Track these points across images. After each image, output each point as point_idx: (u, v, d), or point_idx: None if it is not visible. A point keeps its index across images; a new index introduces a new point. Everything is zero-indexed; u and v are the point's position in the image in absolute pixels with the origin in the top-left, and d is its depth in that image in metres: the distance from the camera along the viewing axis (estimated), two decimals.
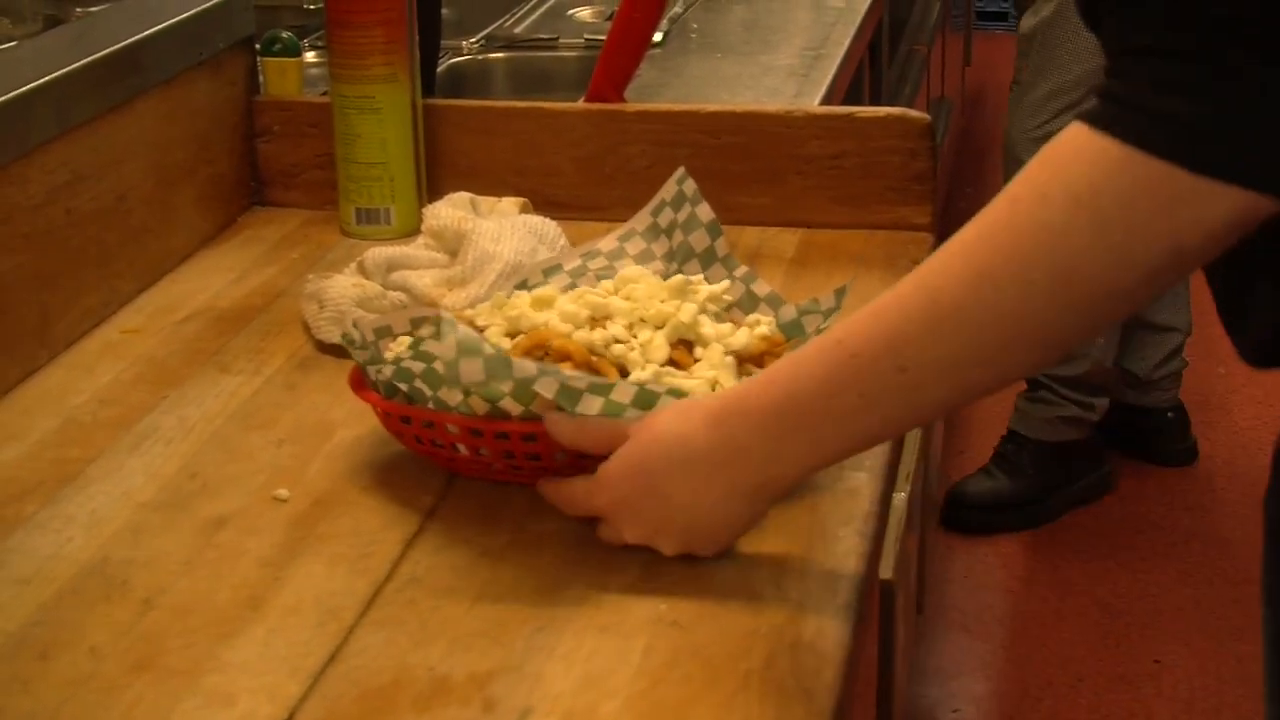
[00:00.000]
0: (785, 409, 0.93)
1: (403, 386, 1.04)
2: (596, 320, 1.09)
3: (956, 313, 0.87)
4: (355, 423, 1.18)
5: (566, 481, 1.02)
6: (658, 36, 2.02)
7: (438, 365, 1.01)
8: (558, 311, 1.10)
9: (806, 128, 1.53)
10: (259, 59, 1.65)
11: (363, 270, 1.35)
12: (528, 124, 1.58)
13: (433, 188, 1.57)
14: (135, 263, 1.43)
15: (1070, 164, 0.83)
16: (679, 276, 1.14)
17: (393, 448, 1.15)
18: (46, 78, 1.29)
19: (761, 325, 1.12)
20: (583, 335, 1.08)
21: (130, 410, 1.22)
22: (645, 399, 1.00)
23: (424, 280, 1.32)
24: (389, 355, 1.09)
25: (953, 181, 4.31)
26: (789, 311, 1.16)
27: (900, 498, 1.40)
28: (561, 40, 2.08)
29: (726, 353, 1.08)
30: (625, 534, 1.00)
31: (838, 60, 2.01)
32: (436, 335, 1.00)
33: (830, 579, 0.98)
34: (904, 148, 1.52)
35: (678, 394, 1.00)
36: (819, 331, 1.09)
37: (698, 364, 1.08)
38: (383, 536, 1.03)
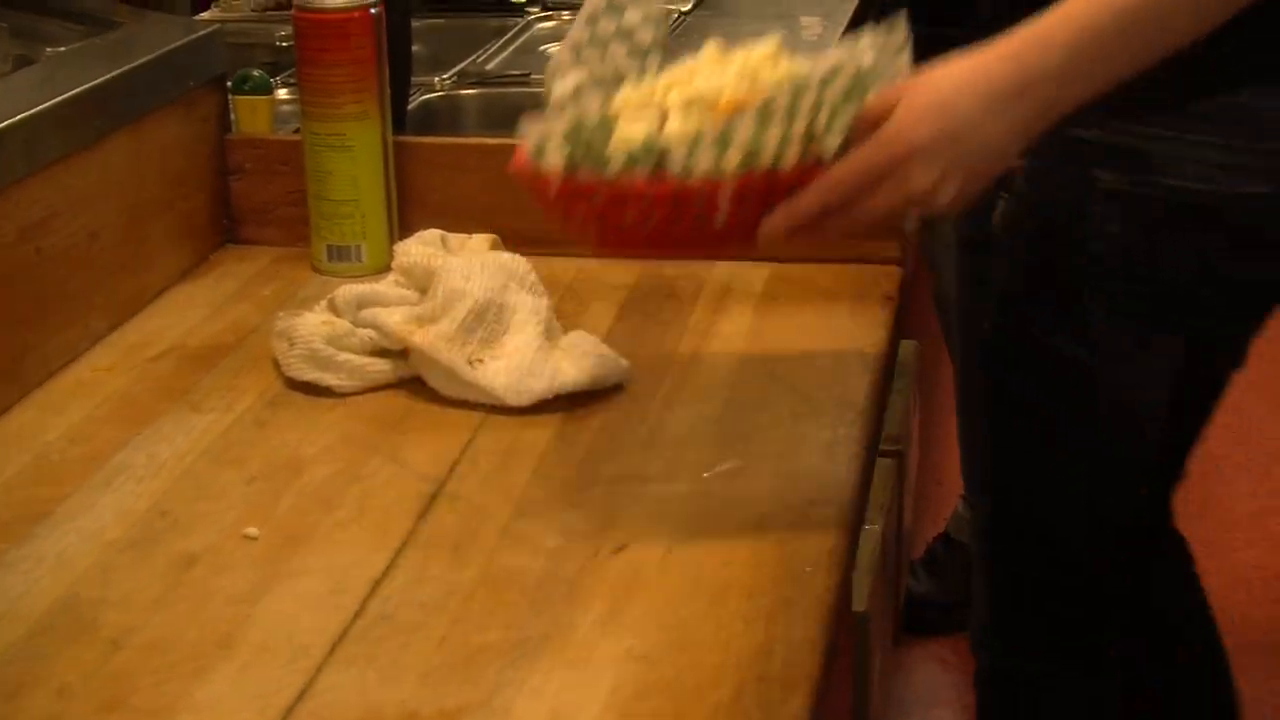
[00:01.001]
0: (1085, 39, 1.08)
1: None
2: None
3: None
4: (326, 460, 1.19)
5: (854, 156, 1.06)
6: None
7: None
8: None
9: None
10: (231, 97, 1.65)
11: (333, 308, 1.36)
12: (498, 160, 1.58)
13: (404, 224, 1.58)
14: (107, 300, 1.43)
15: None
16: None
17: (362, 484, 1.15)
18: (16, 118, 1.30)
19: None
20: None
21: (101, 448, 1.22)
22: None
23: (394, 317, 1.33)
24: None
25: None
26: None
27: (874, 530, 1.41)
28: (533, 76, 2.09)
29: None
30: (915, 180, 1.07)
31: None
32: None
33: (799, 612, 0.99)
34: None
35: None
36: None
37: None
38: (352, 574, 1.04)
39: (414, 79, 2.07)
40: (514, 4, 2.45)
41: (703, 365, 1.36)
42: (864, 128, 1.07)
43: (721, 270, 1.53)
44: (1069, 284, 1.43)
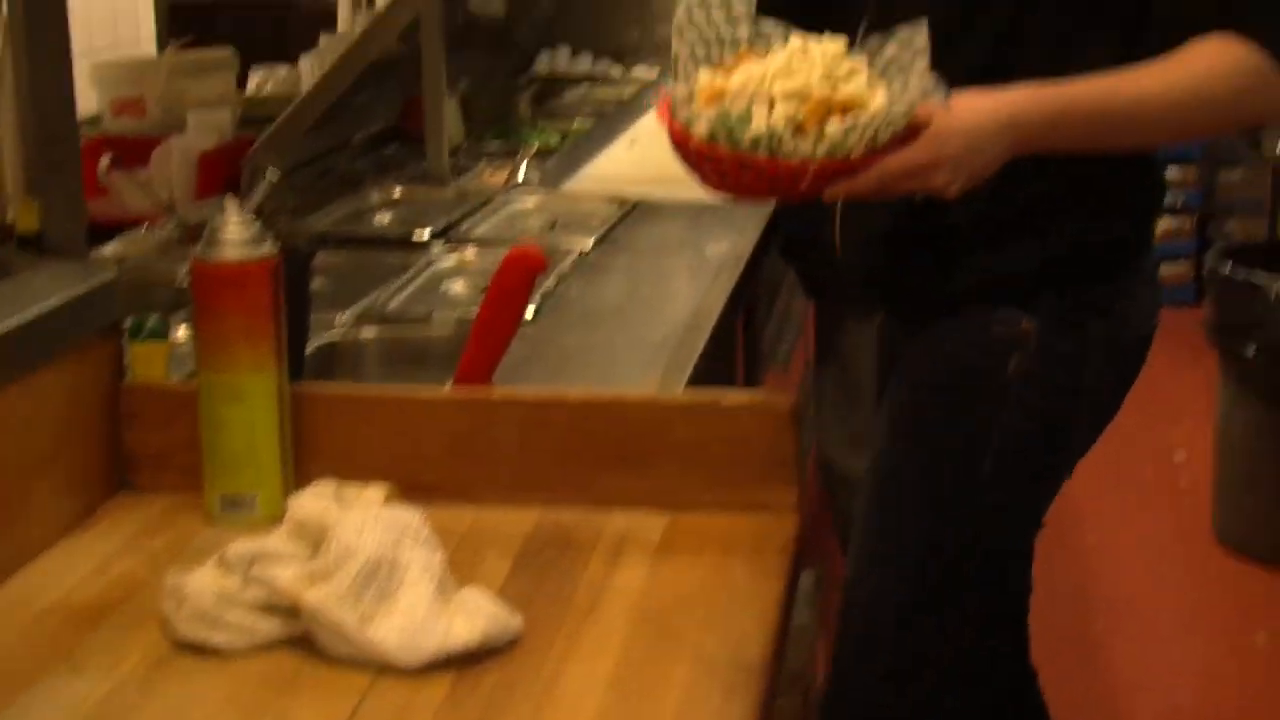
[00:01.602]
0: (1060, 126, 1.68)
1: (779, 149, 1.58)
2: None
3: (1183, 100, 1.69)
4: None
5: (900, 155, 1.59)
6: (530, 311, 2.04)
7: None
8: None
9: (674, 413, 1.55)
10: (127, 343, 1.64)
11: (224, 564, 1.33)
12: (395, 409, 1.59)
13: (300, 472, 1.56)
14: None
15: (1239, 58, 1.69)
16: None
17: None
18: None
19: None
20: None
21: None
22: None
23: (285, 574, 1.31)
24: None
25: None
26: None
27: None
28: (435, 316, 2.10)
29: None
30: (938, 179, 1.63)
31: (708, 331, 2.04)
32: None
33: None
34: (769, 432, 1.54)
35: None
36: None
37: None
38: None
39: (315, 317, 2.07)
40: (415, 240, 2.46)
41: (599, 620, 1.35)
42: (909, 128, 1.59)
43: (619, 520, 1.53)
44: (1061, 413, 1.88)
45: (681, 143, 1.62)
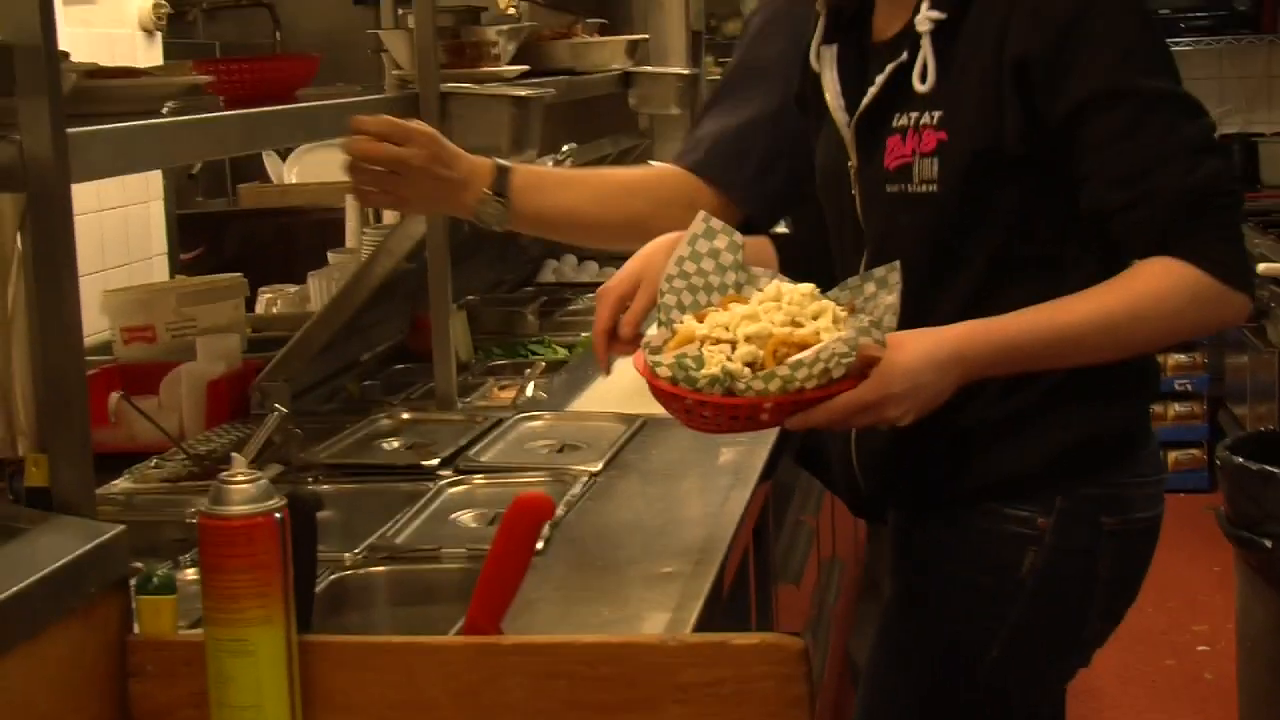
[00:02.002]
0: (1009, 347, 1.80)
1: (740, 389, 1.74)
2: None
3: (1123, 321, 1.80)
4: None
5: (843, 398, 1.73)
6: (539, 544, 2.04)
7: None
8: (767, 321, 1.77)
9: (682, 656, 1.54)
10: (134, 597, 1.64)
11: None
12: (403, 658, 1.58)
13: None
14: None
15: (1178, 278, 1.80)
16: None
17: None
18: None
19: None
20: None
21: None
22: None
23: None
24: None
25: None
26: (832, 292, 1.85)
27: None
28: (444, 550, 2.09)
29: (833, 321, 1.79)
30: (888, 413, 1.76)
31: (719, 560, 2.04)
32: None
33: None
34: (779, 673, 1.53)
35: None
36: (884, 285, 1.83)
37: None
38: None
39: (323, 553, 2.07)
40: (425, 469, 2.47)
41: None
42: (859, 365, 1.72)
43: None
44: (1077, 604, 1.95)
45: (651, 383, 1.79)
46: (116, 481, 2.43)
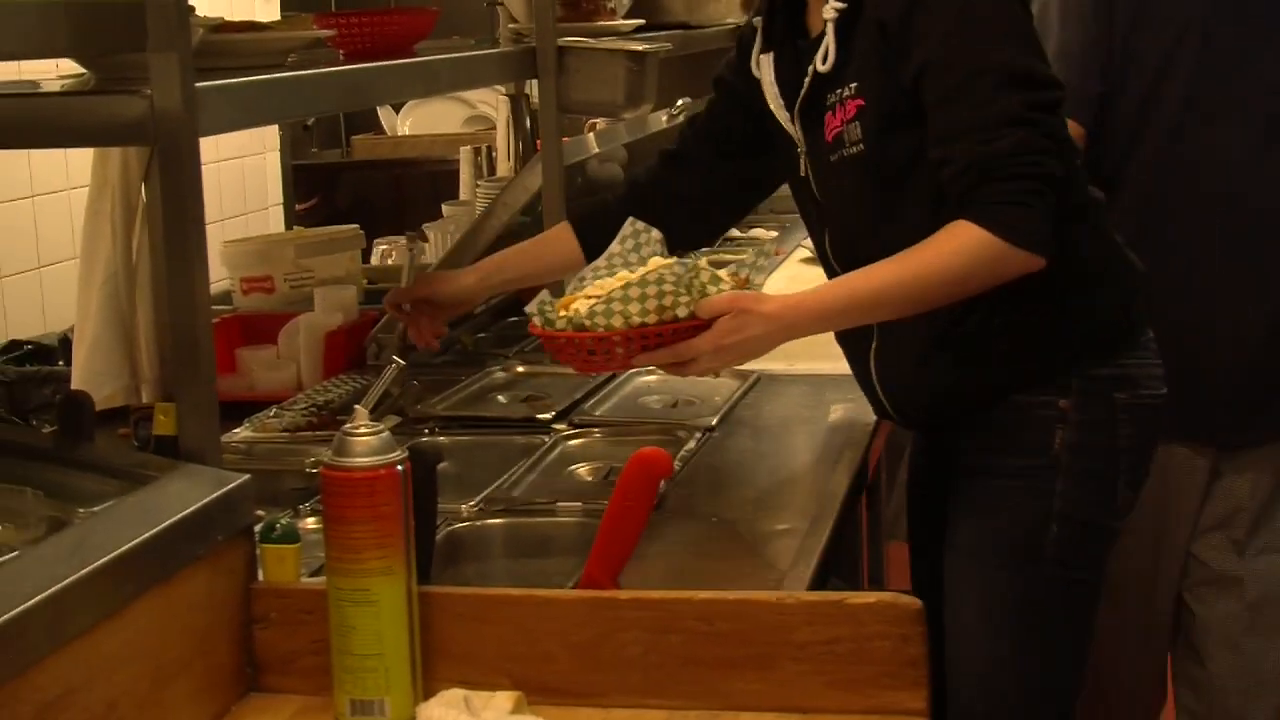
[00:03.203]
0: (825, 314, 2.03)
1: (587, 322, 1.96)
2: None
3: (905, 290, 1.99)
4: None
5: (682, 344, 1.97)
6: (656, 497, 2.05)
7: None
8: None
9: (799, 614, 1.54)
10: (258, 545, 1.67)
11: None
12: (521, 611, 1.60)
13: (427, 674, 1.57)
14: None
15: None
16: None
17: None
18: (42, 594, 1.31)
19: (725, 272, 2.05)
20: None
21: None
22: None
23: None
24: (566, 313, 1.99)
25: None
26: (730, 267, 2.14)
27: None
28: (559, 504, 2.11)
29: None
30: (714, 364, 2.01)
31: (833, 518, 2.04)
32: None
33: None
34: (896, 633, 1.53)
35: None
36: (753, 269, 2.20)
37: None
38: None
39: (440, 505, 2.10)
40: (540, 422, 2.48)
41: None
42: (704, 313, 1.97)
43: None
44: (1107, 473, 2.15)
45: (531, 330, 2.04)
46: (237, 430, 2.46)
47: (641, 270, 2.02)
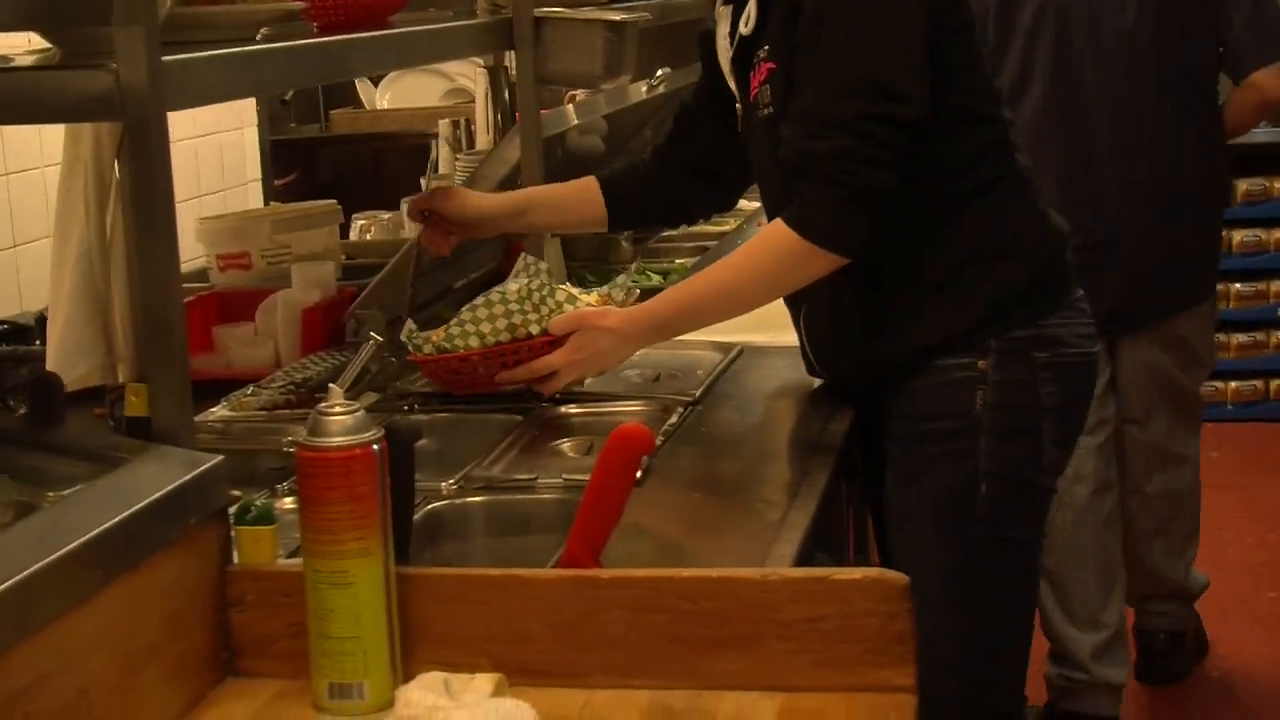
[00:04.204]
0: (657, 324, 2.16)
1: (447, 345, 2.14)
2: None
3: (731, 290, 2.14)
4: None
5: (537, 361, 2.11)
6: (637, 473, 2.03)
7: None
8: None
9: (784, 591, 1.52)
10: (233, 528, 1.64)
11: None
12: (502, 591, 1.57)
13: (406, 655, 1.55)
14: None
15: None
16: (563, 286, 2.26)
17: None
18: (12, 580, 1.28)
19: (594, 295, 2.23)
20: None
21: None
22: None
23: None
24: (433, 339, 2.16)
25: None
26: (604, 289, 2.27)
27: None
28: (540, 481, 2.08)
29: (587, 304, 2.18)
30: (570, 377, 2.14)
31: (818, 493, 2.02)
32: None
33: None
34: (882, 610, 1.51)
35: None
36: (624, 291, 2.28)
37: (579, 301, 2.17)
38: None
39: (419, 483, 2.07)
40: (521, 397, 2.45)
41: None
42: (553, 330, 2.12)
43: (730, 705, 1.50)
44: (1030, 431, 2.22)
45: (410, 358, 2.25)
46: (213, 410, 2.43)
47: (500, 292, 2.13)
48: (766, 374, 2.59)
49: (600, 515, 1.58)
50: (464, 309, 2.16)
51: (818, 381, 2.50)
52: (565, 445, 2.28)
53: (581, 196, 2.50)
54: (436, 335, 2.14)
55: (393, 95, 6.34)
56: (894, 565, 2.26)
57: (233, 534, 1.65)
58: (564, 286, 2.20)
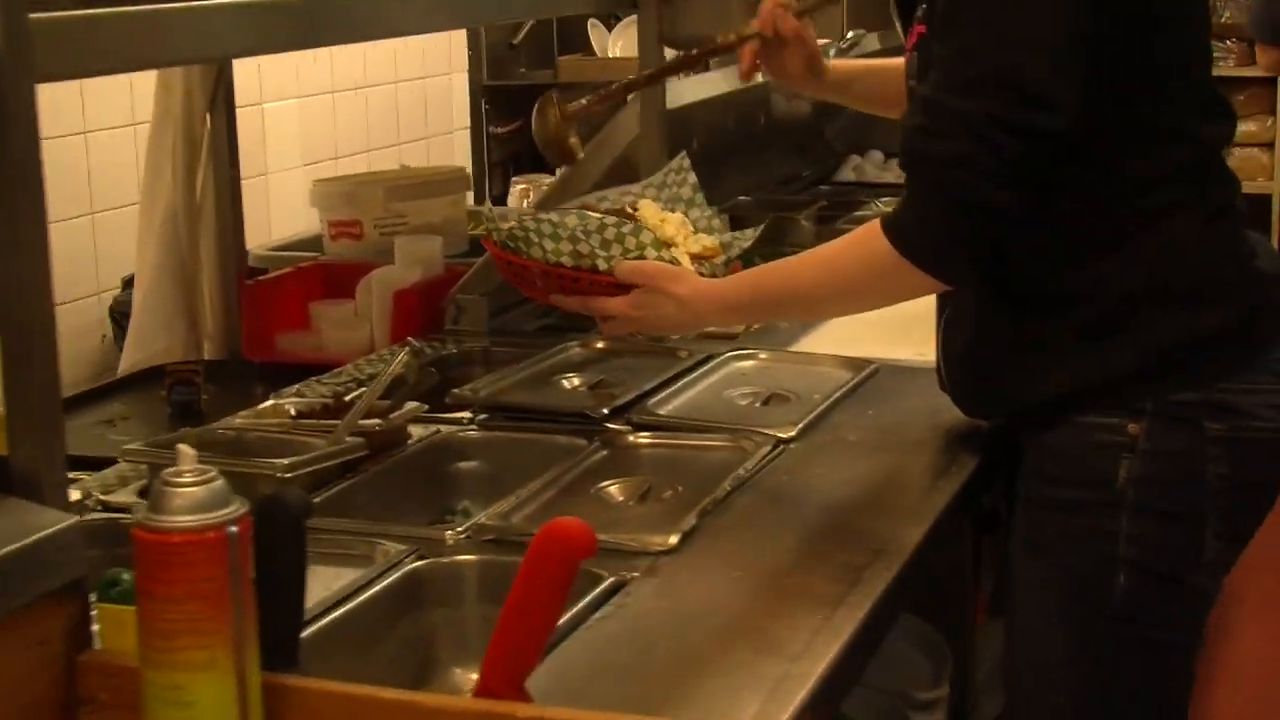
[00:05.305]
0: (729, 306, 1.93)
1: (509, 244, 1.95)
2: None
3: (809, 294, 1.90)
4: None
5: (595, 300, 1.93)
6: (674, 537, 1.66)
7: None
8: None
9: None
10: (94, 604, 1.32)
11: None
12: (394, 717, 1.22)
13: None
14: None
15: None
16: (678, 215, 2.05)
17: None
18: None
19: (709, 239, 2.02)
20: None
21: None
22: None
23: None
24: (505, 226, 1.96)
25: None
26: (726, 236, 2.06)
27: None
28: None
29: (688, 252, 1.97)
30: (626, 329, 1.98)
31: (883, 584, 1.62)
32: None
33: None
34: None
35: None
36: (740, 247, 2.06)
37: (674, 249, 1.96)
38: None
39: (419, 533, 1.75)
40: (591, 418, 2.09)
41: None
42: (620, 277, 1.91)
43: None
44: (1188, 517, 1.80)
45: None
46: (240, 414, 2.11)
47: (576, 214, 1.95)
48: (898, 406, 2.17)
49: (523, 634, 1.22)
50: (542, 212, 2.00)
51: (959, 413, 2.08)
52: (614, 488, 1.90)
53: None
54: (508, 223, 1.96)
55: (625, 43, 6.01)
56: (1017, 649, 1.93)
57: (94, 612, 1.33)
58: (661, 224, 2.00)
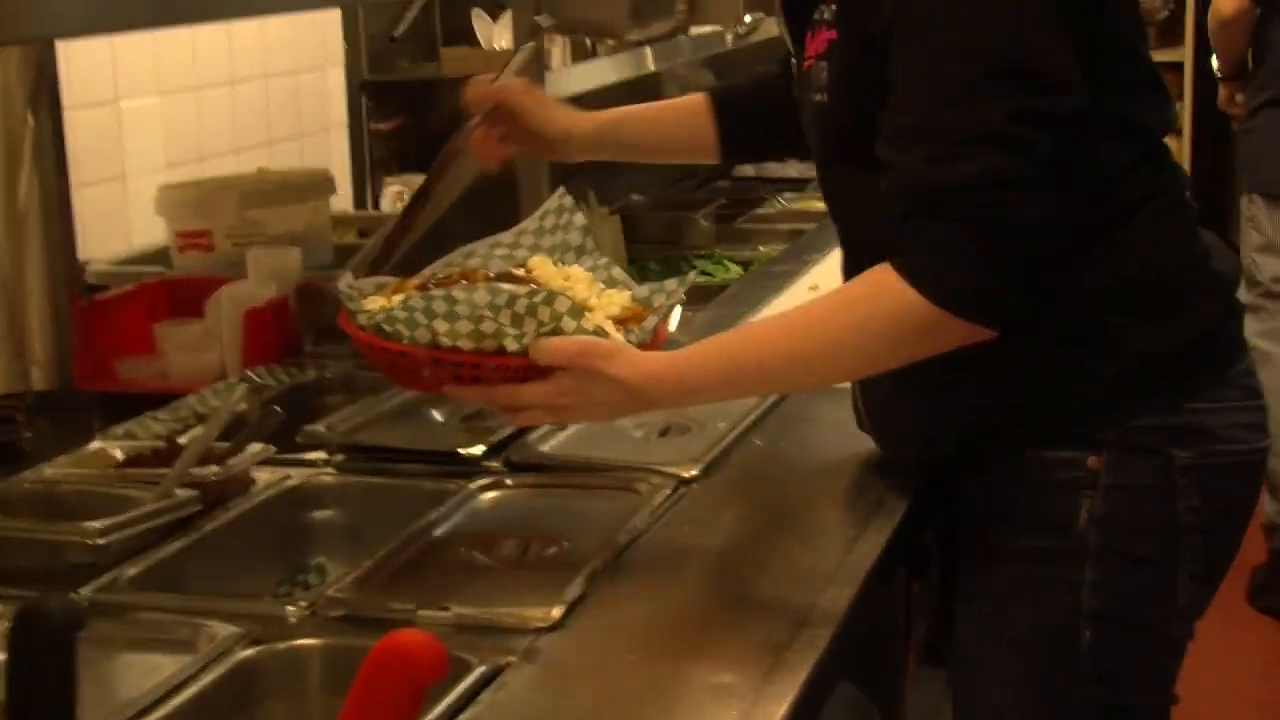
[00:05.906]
0: (687, 389, 1.57)
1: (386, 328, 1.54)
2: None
3: (811, 361, 1.56)
4: None
5: (502, 390, 1.54)
6: (556, 611, 1.40)
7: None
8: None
9: None
10: None
11: None
12: None
13: None
14: None
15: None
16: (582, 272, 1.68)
17: None
18: None
19: (625, 296, 1.65)
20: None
21: None
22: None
23: None
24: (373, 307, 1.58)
25: None
26: (642, 290, 1.67)
27: None
28: (421, 613, 1.45)
29: (607, 316, 1.60)
30: (545, 421, 1.71)
31: (808, 665, 1.37)
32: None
33: None
34: None
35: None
36: (666, 305, 1.65)
37: (591, 314, 1.57)
38: None
39: (261, 610, 1.48)
40: (463, 458, 1.83)
41: None
42: (539, 359, 1.52)
43: None
44: (1158, 562, 1.62)
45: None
46: (56, 461, 1.82)
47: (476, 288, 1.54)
48: (811, 433, 1.94)
49: None
50: (432, 281, 1.65)
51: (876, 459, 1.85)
52: (486, 546, 1.64)
53: (684, 113, 2.01)
54: (377, 304, 1.59)
55: (510, 34, 5.76)
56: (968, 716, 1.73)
57: None
58: (574, 286, 1.62)
